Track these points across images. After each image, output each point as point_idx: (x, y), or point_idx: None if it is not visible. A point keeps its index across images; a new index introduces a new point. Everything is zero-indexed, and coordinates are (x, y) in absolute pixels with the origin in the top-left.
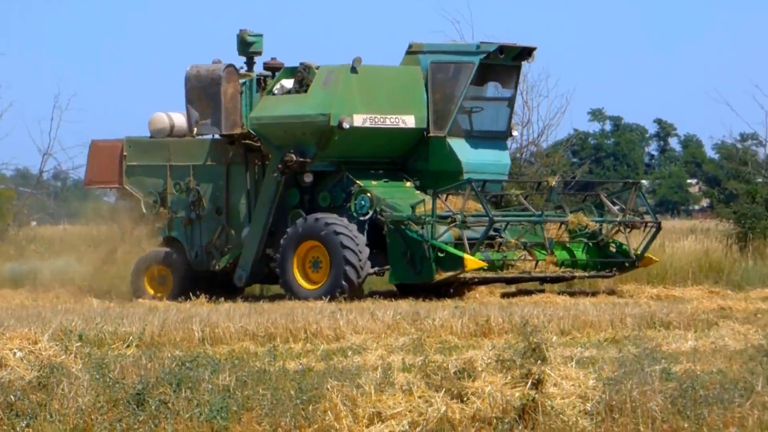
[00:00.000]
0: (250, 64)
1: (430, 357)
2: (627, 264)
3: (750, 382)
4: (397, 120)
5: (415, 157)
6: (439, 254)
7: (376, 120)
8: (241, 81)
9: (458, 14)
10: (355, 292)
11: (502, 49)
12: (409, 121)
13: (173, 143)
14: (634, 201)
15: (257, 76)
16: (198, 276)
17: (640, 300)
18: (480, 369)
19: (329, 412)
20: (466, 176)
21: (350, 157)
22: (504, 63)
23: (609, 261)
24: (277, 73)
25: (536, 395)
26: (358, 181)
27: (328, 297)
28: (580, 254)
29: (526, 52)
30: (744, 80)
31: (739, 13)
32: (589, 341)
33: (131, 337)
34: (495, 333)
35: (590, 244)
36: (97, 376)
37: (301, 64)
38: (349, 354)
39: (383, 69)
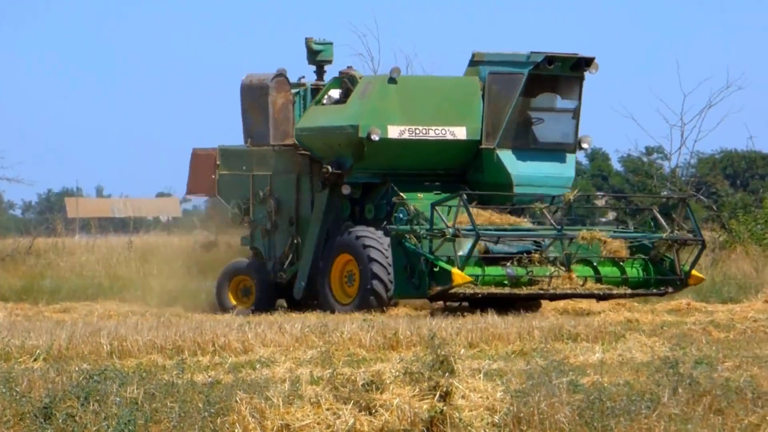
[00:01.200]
0: (320, 73)
1: (338, 369)
2: (678, 282)
3: (656, 394)
4: (443, 131)
5: (474, 170)
6: (434, 268)
7: (417, 131)
8: (295, 91)
9: (365, 28)
10: (384, 305)
11: (550, 59)
12: (459, 133)
13: (255, 152)
14: (682, 217)
15: (312, 85)
16: (279, 287)
17: (548, 313)
18: (388, 381)
19: (238, 424)
20: (516, 189)
21: (395, 169)
22: (561, 74)
23: (662, 279)
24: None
25: (444, 407)
26: (402, 194)
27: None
28: (634, 271)
29: (584, 62)
30: (649, 94)
31: (642, 29)
32: (497, 354)
33: (38, 351)
34: (403, 345)
35: (649, 261)
36: (4, 390)
37: (346, 73)
38: (257, 367)
39: (432, 79)
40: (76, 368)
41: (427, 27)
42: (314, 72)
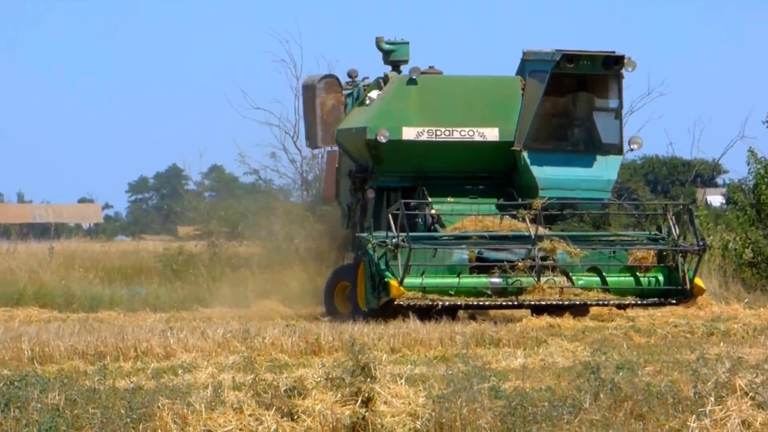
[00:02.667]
0: (396, 72)
1: (260, 375)
2: (684, 293)
3: (578, 399)
4: (471, 133)
5: (515, 172)
6: (384, 279)
7: (439, 133)
8: (347, 92)
9: (287, 34)
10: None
11: (570, 57)
12: (489, 134)
13: None
14: (678, 225)
15: (363, 86)
16: None
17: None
18: (310, 387)
19: (160, 430)
20: (542, 193)
21: (425, 172)
22: (593, 73)
23: (667, 290)
24: None
25: (366, 413)
26: (429, 198)
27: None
28: (651, 281)
29: (614, 61)
30: None
31: (564, 34)
32: (419, 359)
33: None
34: (325, 351)
35: (670, 272)
36: None
37: (385, 74)
38: (179, 372)
39: (463, 79)
40: None
41: (351, 33)
42: (391, 71)
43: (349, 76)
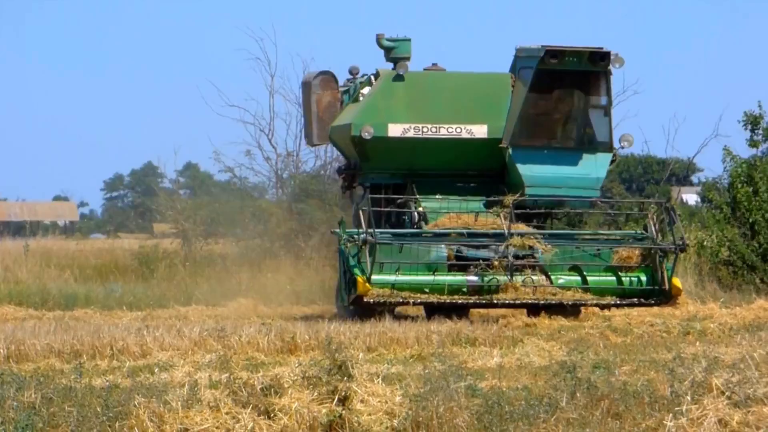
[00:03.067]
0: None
1: (236, 374)
2: (663, 294)
3: (554, 398)
4: (459, 130)
5: (505, 170)
6: (353, 275)
7: (426, 130)
8: (344, 89)
9: (261, 32)
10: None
11: (553, 53)
12: (478, 132)
13: None
14: (660, 224)
15: (360, 83)
16: None
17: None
18: (287, 386)
19: (136, 428)
20: (529, 191)
21: (414, 170)
22: (580, 69)
23: (645, 290)
24: None
25: (343, 411)
26: (418, 196)
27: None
28: (628, 282)
29: (600, 57)
30: None
31: (542, 31)
32: (395, 358)
33: None
34: (302, 350)
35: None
36: None
37: (377, 70)
38: (156, 371)
39: (452, 75)
40: None
41: (326, 31)
42: (393, 69)
43: (350, 73)
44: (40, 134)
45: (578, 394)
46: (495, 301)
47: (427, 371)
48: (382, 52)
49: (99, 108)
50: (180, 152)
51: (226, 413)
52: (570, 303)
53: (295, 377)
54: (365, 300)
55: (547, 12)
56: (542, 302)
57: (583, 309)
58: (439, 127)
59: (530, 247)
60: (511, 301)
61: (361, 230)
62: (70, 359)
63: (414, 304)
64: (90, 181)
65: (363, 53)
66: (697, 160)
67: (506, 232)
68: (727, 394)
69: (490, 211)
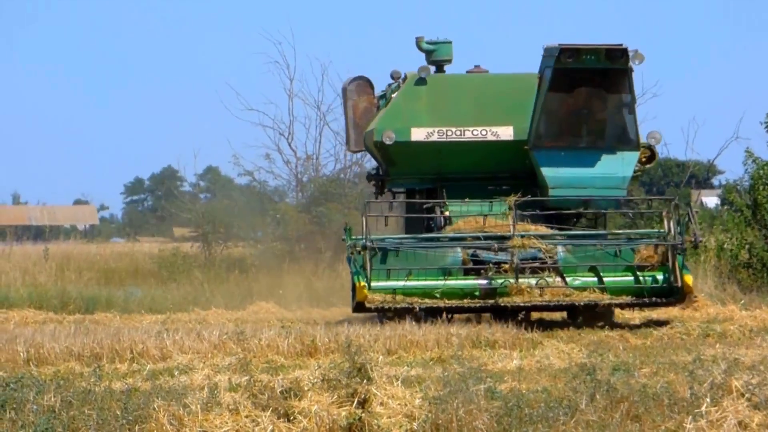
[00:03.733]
0: (439, 73)
1: (256, 376)
2: (676, 293)
3: (574, 400)
4: (484, 132)
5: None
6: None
7: (450, 133)
8: (380, 94)
9: (280, 36)
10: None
11: (570, 52)
12: (503, 133)
13: None
14: (673, 222)
15: (393, 88)
16: None
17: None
18: (306, 388)
19: (156, 431)
20: (552, 192)
21: (443, 174)
22: (600, 66)
23: (659, 288)
24: None
25: (363, 414)
26: (446, 201)
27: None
28: (645, 281)
29: (618, 54)
30: None
31: (560, 35)
32: (415, 360)
33: None
34: (321, 353)
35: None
36: None
37: (405, 74)
38: (175, 374)
39: (476, 78)
40: None
41: (345, 34)
42: (434, 72)
43: (392, 77)
44: (61, 138)
45: (598, 396)
46: (504, 305)
47: (446, 374)
48: (425, 55)
49: (119, 112)
50: (199, 156)
51: (246, 416)
52: (582, 303)
53: (315, 380)
54: (367, 306)
55: (575, 12)
56: (553, 303)
57: (616, 311)
58: (464, 130)
59: (542, 249)
60: (522, 305)
61: (360, 237)
62: (90, 362)
63: (420, 309)
64: (110, 185)
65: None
66: (718, 162)
67: (512, 233)
68: (746, 396)
69: (503, 213)
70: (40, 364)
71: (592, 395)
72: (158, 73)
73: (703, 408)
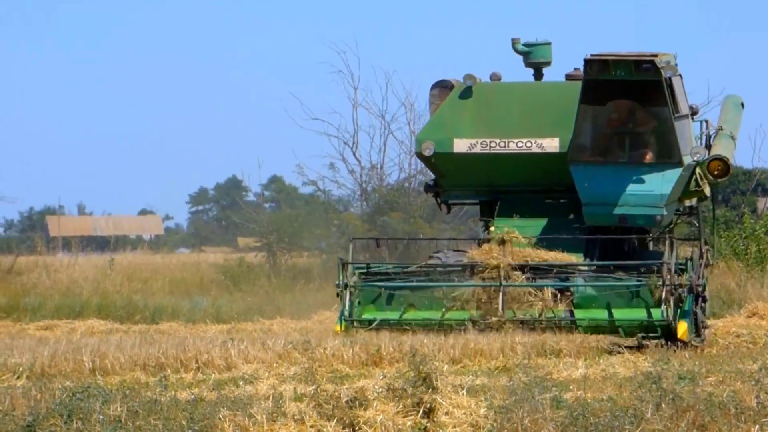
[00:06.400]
0: (538, 76)
1: (321, 386)
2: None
3: (640, 410)
4: (529, 144)
5: None
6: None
7: (493, 145)
8: None
9: (344, 45)
10: None
11: (597, 64)
12: (549, 145)
13: None
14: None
15: None
16: None
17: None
18: (372, 398)
19: None
20: (587, 209)
21: (497, 187)
22: (633, 78)
23: (648, 324)
24: None
25: (428, 424)
26: (497, 216)
27: None
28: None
29: (648, 65)
30: None
31: (633, 40)
32: (480, 369)
33: (21, 368)
34: (386, 362)
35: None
36: None
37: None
38: (240, 383)
39: (522, 86)
40: (59, 386)
41: (407, 44)
42: (533, 75)
43: (490, 79)
44: (126, 149)
45: (663, 405)
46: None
47: (511, 383)
48: (522, 58)
49: (183, 122)
50: (264, 165)
51: (311, 426)
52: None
53: (380, 389)
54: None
55: (654, 15)
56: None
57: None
58: (508, 142)
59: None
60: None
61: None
62: (155, 372)
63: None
64: (175, 195)
65: (463, 63)
66: None
67: (502, 262)
68: None
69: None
70: (106, 374)
71: (658, 404)
72: (223, 83)
73: None
